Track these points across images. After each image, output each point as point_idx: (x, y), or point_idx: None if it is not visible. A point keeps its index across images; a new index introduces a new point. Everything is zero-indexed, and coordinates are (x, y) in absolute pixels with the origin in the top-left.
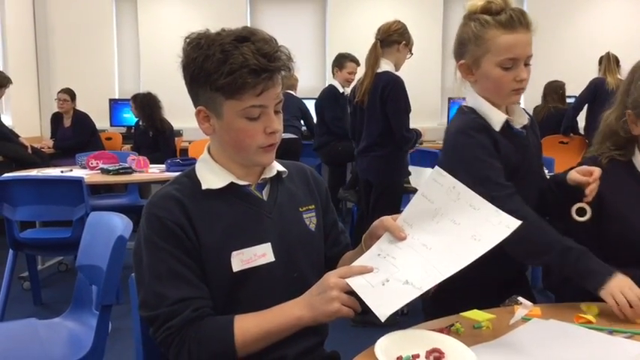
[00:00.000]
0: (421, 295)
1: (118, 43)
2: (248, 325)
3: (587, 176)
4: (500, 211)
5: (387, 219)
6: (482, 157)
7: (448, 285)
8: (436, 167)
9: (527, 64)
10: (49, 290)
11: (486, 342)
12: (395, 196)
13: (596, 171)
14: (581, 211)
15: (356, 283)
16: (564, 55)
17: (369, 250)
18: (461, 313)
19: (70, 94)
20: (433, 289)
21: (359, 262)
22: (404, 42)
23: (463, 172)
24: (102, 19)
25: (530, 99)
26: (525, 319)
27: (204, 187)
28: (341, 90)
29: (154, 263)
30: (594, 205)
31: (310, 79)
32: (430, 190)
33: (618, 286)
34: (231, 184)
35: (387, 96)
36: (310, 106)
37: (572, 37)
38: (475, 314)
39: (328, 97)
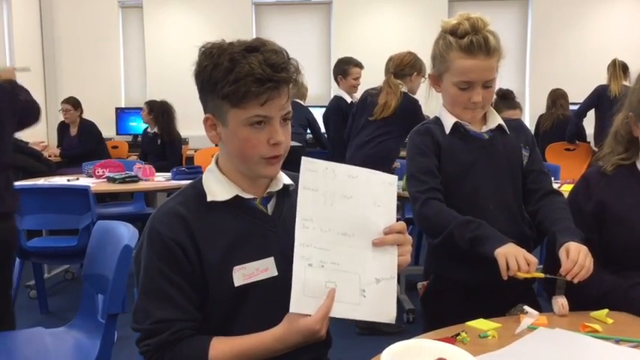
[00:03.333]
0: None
1: (125, 52)
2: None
3: (570, 265)
4: (374, 171)
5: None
6: (414, 156)
7: (433, 287)
8: (303, 157)
9: (487, 87)
10: (55, 299)
11: (492, 351)
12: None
13: (575, 268)
14: (559, 284)
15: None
16: (569, 62)
17: (294, 262)
18: (467, 323)
19: (73, 103)
20: (421, 292)
21: (297, 281)
22: (415, 72)
23: None
24: (108, 28)
25: (535, 107)
26: (531, 328)
27: (209, 199)
28: (349, 100)
29: (146, 279)
30: (596, 215)
31: (315, 86)
32: (308, 181)
33: (513, 252)
34: (237, 197)
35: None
36: (316, 113)
37: (577, 44)
38: (481, 323)
39: (334, 115)
